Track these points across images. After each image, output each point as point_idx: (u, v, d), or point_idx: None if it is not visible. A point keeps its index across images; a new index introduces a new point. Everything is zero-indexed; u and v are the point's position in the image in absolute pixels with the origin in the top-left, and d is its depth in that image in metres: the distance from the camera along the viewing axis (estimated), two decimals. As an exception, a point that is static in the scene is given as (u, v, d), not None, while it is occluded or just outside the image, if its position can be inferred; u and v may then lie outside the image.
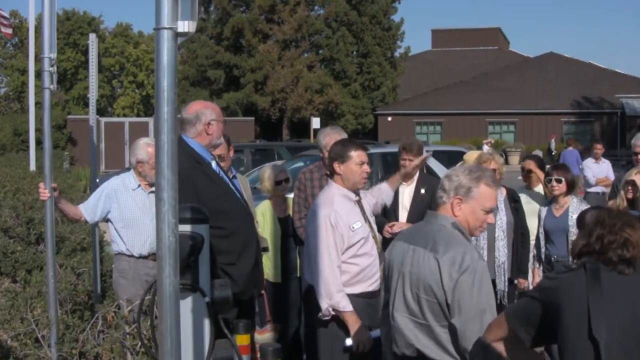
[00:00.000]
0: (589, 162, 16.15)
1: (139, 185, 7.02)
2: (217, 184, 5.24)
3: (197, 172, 5.09)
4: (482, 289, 4.01)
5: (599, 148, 16.08)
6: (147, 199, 6.92)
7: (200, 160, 5.20)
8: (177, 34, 2.67)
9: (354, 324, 5.27)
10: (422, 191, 7.94)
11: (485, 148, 33.46)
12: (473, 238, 7.56)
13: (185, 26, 2.68)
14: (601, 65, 63.36)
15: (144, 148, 7.03)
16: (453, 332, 4.09)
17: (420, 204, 7.93)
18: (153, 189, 6.72)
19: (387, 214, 7.93)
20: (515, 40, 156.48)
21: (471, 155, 9.00)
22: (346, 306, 5.26)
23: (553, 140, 49.30)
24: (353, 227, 5.35)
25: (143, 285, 6.85)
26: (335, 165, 5.55)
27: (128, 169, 7.36)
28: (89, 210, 6.96)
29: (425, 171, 8.50)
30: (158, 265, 2.69)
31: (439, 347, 4.21)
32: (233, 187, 5.49)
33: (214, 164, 5.38)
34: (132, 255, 6.92)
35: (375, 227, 5.81)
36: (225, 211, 4.96)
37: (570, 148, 31.29)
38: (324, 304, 5.29)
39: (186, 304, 3.86)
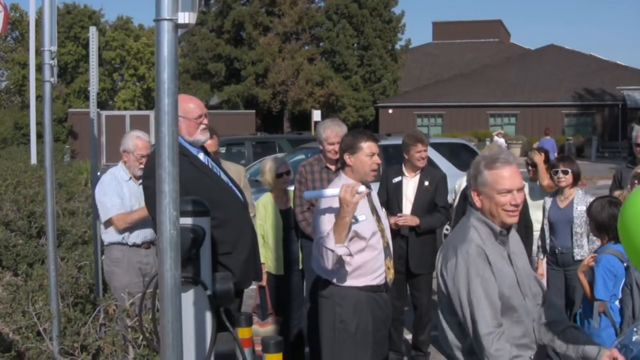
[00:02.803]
0: None
1: (130, 178, 7.06)
2: (205, 175, 5.20)
3: (183, 163, 5.04)
4: (464, 283, 3.93)
5: None
6: (137, 190, 6.94)
7: (185, 152, 5.14)
8: (177, 26, 2.65)
9: (341, 220, 5.13)
10: (426, 183, 7.98)
11: (497, 139, 33.46)
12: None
13: (186, 17, 2.66)
14: (602, 58, 63.26)
15: (132, 139, 7.10)
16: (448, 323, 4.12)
17: (424, 196, 7.97)
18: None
19: (390, 206, 7.94)
20: (516, 32, 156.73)
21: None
22: (330, 241, 5.15)
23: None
24: (357, 219, 5.32)
25: (137, 273, 6.91)
26: (346, 157, 5.53)
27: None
28: (122, 206, 6.95)
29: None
30: (159, 258, 2.68)
31: (442, 339, 4.25)
32: (226, 178, 5.44)
33: (201, 155, 5.34)
34: (125, 244, 6.95)
35: (385, 220, 5.79)
36: (215, 201, 4.85)
37: (548, 137, 32.06)
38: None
39: (188, 297, 3.84)
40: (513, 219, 4.11)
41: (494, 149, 7.90)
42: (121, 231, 6.97)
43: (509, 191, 4.04)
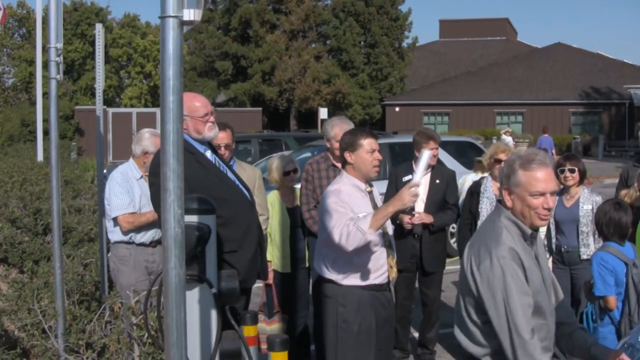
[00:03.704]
0: None
1: (142, 176, 7.04)
2: (211, 173, 5.19)
3: (188, 161, 5.01)
4: (500, 287, 3.84)
5: None
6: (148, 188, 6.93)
7: (192, 150, 5.13)
8: (182, 23, 2.64)
9: (386, 210, 5.16)
10: (437, 181, 7.99)
11: (503, 137, 33.44)
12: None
13: (191, 14, 2.64)
14: (609, 56, 63.08)
15: (151, 139, 7.07)
16: (481, 328, 4.04)
17: (436, 194, 7.99)
18: None
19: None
20: (523, 30, 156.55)
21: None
22: (364, 223, 5.13)
23: None
24: (359, 217, 5.30)
25: (144, 271, 6.90)
26: (347, 155, 5.52)
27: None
28: (131, 206, 6.93)
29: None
30: (164, 256, 2.67)
31: (465, 337, 4.18)
32: (232, 176, 5.43)
33: (208, 153, 5.33)
34: (132, 243, 6.94)
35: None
36: (221, 199, 4.81)
37: (546, 135, 32.47)
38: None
39: (193, 295, 3.84)
40: (543, 222, 4.04)
41: (501, 147, 7.90)
42: (125, 232, 6.97)
43: (542, 194, 3.94)
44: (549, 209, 3.98)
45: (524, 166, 3.96)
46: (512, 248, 3.92)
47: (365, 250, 5.34)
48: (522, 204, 3.97)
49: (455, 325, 4.29)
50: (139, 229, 6.94)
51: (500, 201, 4.16)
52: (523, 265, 3.91)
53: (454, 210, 8.16)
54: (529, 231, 4.02)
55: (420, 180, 5.14)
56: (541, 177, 3.94)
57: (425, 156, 5.25)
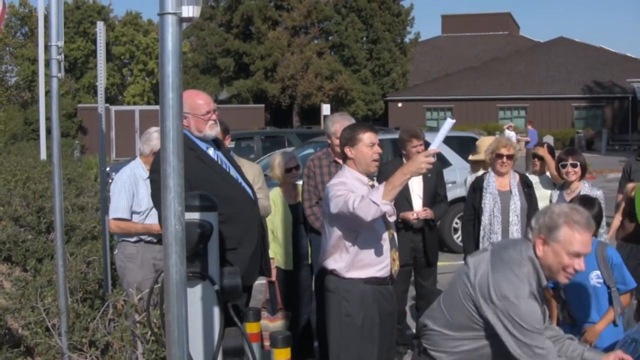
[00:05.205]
0: None
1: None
2: (213, 170, 5.17)
3: (189, 158, 4.98)
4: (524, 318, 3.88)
5: None
6: None
7: (193, 146, 5.12)
8: (181, 19, 2.64)
9: (400, 178, 5.01)
10: (429, 175, 8.04)
11: (507, 132, 33.49)
12: (487, 222, 7.57)
13: (190, 11, 2.65)
14: (612, 50, 63.00)
15: (160, 139, 7.02)
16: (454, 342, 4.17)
17: (430, 189, 8.10)
18: None
19: (398, 202, 7.92)
20: (525, 25, 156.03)
21: (484, 142, 8.94)
22: (377, 195, 5.03)
23: None
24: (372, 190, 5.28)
25: (151, 269, 6.88)
26: (347, 150, 5.52)
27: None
28: (127, 211, 6.93)
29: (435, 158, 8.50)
30: (165, 253, 2.67)
31: (434, 342, 4.31)
32: (235, 173, 5.42)
33: (211, 151, 5.32)
34: (140, 240, 6.94)
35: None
36: (222, 197, 4.79)
37: (531, 128, 33.23)
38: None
39: (195, 292, 3.84)
40: (566, 281, 4.04)
41: (502, 142, 7.87)
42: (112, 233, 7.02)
43: (578, 255, 3.93)
44: (577, 271, 3.98)
45: (570, 225, 3.93)
46: (532, 293, 3.94)
47: (369, 242, 5.34)
48: (555, 259, 3.95)
49: (428, 321, 4.42)
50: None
51: (527, 237, 4.11)
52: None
53: (445, 202, 8.39)
54: (545, 283, 4.04)
55: (438, 148, 5.06)
56: (584, 240, 3.93)
57: (448, 125, 5.13)
